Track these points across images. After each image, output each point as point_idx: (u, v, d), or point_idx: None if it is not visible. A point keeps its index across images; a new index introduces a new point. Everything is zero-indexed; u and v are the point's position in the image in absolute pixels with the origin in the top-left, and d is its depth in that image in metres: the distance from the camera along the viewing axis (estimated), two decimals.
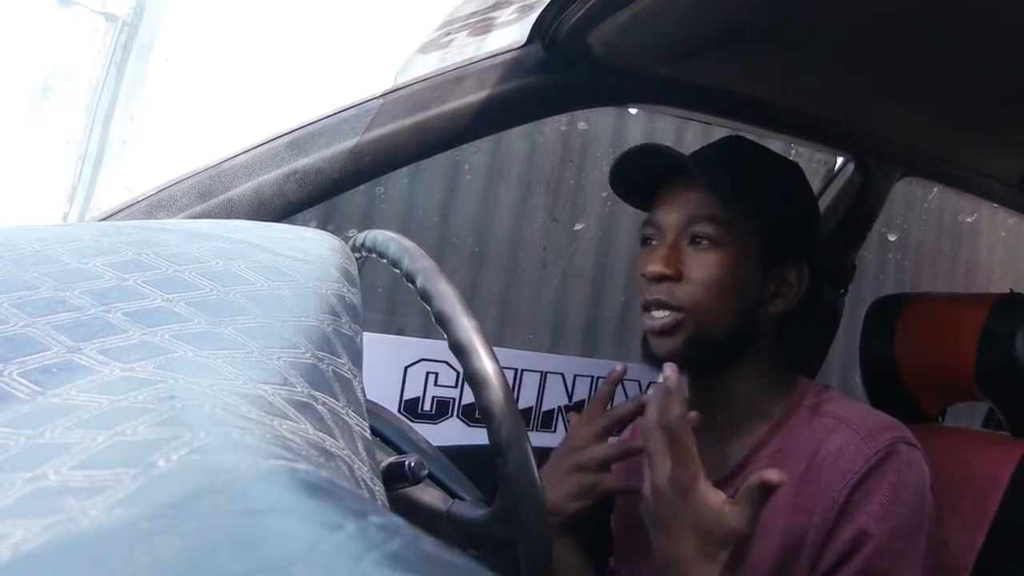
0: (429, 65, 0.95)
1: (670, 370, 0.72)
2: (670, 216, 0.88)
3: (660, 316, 0.86)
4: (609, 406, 0.91)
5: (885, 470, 0.80)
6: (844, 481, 0.80)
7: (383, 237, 0.68)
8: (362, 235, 0.70)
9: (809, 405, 0.88)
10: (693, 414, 0.74)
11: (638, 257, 0.91)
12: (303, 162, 0.87)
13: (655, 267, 0.86)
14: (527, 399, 1.54)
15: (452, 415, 1.49)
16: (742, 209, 0.86)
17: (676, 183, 0.89)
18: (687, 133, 2.14)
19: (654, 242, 0.89)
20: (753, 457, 0.87)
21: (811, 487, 0.82)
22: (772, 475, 0.68)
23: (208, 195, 0.84)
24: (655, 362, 0.87)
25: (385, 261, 0.67)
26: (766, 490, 0.69)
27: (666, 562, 0.72)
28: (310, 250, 0.43)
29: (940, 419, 1.25)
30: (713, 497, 0.70)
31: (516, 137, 2.02)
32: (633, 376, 1.60)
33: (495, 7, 1.07)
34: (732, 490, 0.87)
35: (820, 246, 0.97)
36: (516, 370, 1.53)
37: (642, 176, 0.93)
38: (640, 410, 0.84)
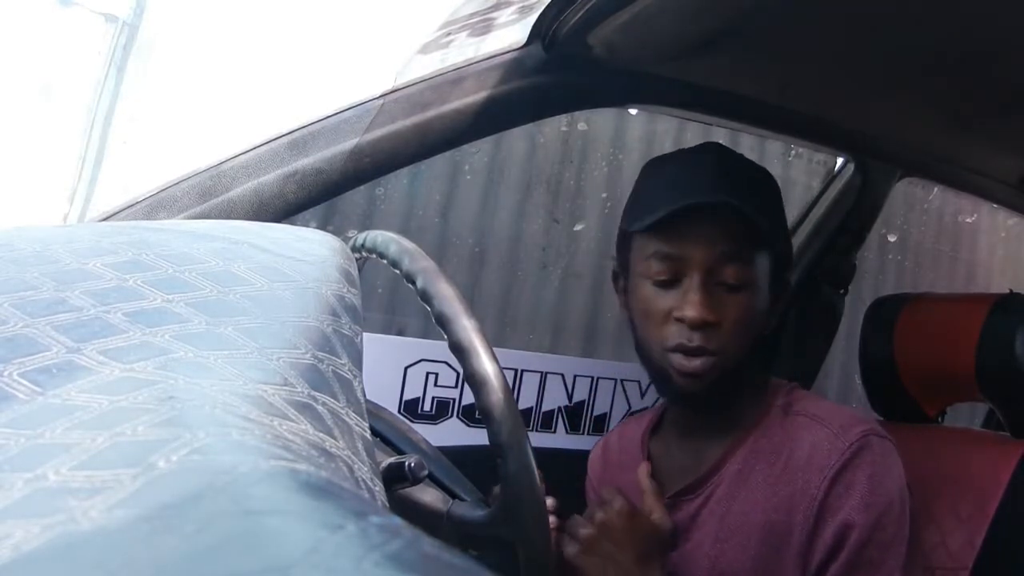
0: (429, 66, 0.95)
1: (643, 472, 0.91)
2: (696, 252, 0.82)
3: (696, 361, 0.83)
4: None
5: (860, 463, 0.81)
6: (821, 476, 0.81)
7: (383, 238, 0.68)
8: (362, 236, 0.70)
9: (780, 405, 0.89)
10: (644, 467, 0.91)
11: (658, 295, 0.84)
12: (303, 163, 0.87)
13: (699, 313, 0.81)
14: (527, 399, 1.53)
15: (452, 415, 1.48)
16: (769, 246, 0.86)
17: (694, 216, 0.83)
18: (687, 133, 2.13)
19: (665, 277, 0.84)
20: (726, 460, 0.89)
21: (790, 486, 0.83)
22: (642, 474, 0.89)
23: (208, 195, 0.84)
24: (679, 399, 0.90)
25: (385, 262, 0.67)
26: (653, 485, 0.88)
27: None
28: (310, 251, 0.43)
29: (940, 419, 1.25)
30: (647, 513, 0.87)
31: (516, 137, 2.02)
32: (632, 376, 1.60)
33: (495, 7, 1.07)
34: (705, 493, 0.88)
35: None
36: (516, 370, 1.53)
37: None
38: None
